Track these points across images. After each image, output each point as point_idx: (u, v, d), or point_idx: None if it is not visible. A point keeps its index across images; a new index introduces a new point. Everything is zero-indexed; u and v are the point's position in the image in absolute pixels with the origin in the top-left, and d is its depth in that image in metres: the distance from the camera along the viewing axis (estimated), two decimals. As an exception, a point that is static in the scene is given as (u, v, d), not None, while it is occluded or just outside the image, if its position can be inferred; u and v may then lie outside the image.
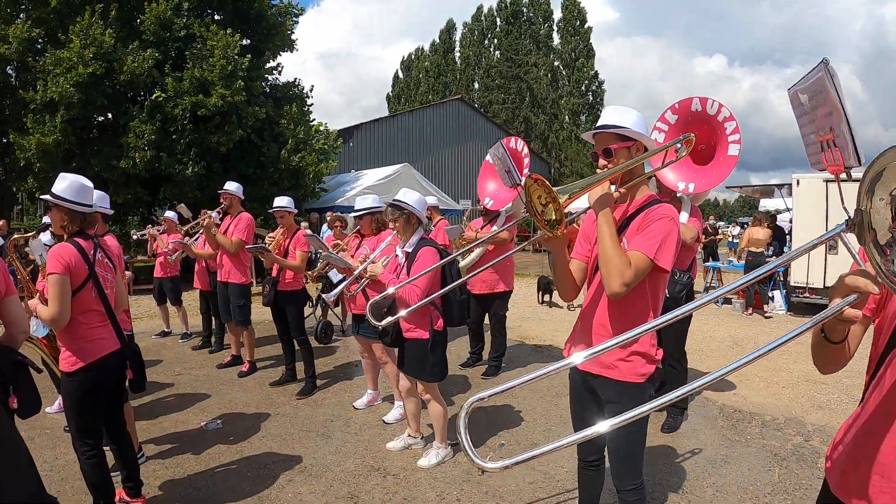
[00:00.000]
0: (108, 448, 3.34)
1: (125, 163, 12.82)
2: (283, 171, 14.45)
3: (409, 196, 3.92)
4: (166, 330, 8.67)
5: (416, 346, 3.81)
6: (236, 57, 13.32)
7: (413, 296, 3.55)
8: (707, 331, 9.00)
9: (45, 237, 4.38)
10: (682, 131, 4.17)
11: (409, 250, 3.85)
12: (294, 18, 16.26)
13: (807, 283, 10.47)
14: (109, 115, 13.71)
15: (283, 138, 14.66)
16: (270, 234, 6.00)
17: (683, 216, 4.40)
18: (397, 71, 50.44)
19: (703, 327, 9.14)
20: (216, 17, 14.89)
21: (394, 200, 3.91)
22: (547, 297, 11.76)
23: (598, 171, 2.41)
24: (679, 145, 2.47)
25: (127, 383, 3.31)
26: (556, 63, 43.64)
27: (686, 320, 4.84)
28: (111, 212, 4.78)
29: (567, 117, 42.97)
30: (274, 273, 5.77)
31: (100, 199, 4.56)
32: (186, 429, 4.85)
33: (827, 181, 10.02)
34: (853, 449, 1.54)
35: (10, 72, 13.79)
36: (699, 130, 3.84)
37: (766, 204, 19.74)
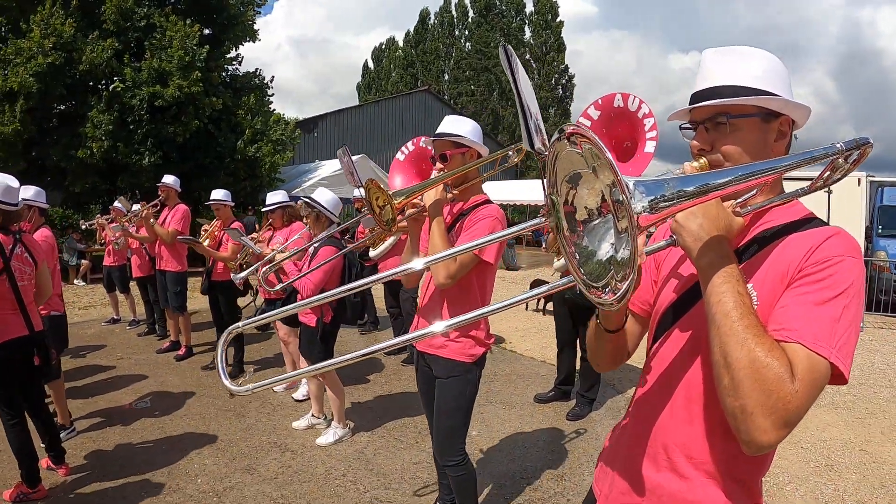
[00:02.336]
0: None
1: (82, 152, 13.06)
2: (240, 161, 14.75)
3: (322, 196, 4.34)
4: (115, 317, 9.04)
5: (307, 332, 4.33)
6: (195, 47, 13.54)
7: (306, 288, 4.02)
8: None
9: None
10: (604, 127, 4.46)
11: (316, 245, 4.31)
12: (256, 9, 16.47)
13: None
14: (72, 103, 13.85)
15: (240, 129, 14.94)
16: (205, 227, 6.43)
17: None
18: (367, 61, 50.38)
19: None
20: (181, 6, 14.97)
21: (307, 198, 4.37)
22: (541, 304, 10.30)
23: (434, 174, 2.74)
24: (511, 153, 2.63)
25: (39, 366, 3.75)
26: (526, 56, 44.05)
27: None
28: (47, 206, 5.17)
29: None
30: (210, 263, 6.22)
31: (36, 195, 4.98)
32: (118, 406, 5.30)
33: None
34: (614, 448, 1.54)
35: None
36: (622, 127, 4.05)
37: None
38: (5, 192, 3.57)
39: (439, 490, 3.32)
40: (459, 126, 2.72)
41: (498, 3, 44.63)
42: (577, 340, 5.38)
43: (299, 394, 5.35)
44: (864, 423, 5.09)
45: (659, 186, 0.99)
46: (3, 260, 3.50)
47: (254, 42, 16.53)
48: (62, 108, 13.98)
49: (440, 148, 2.74)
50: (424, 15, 47.50)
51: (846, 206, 9.93)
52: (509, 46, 1.71)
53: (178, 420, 4.99)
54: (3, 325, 3.50)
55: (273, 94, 17.15)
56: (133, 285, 8.45)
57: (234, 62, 16.18)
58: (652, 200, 0.97)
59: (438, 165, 2.74)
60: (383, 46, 49.36)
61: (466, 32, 45.36)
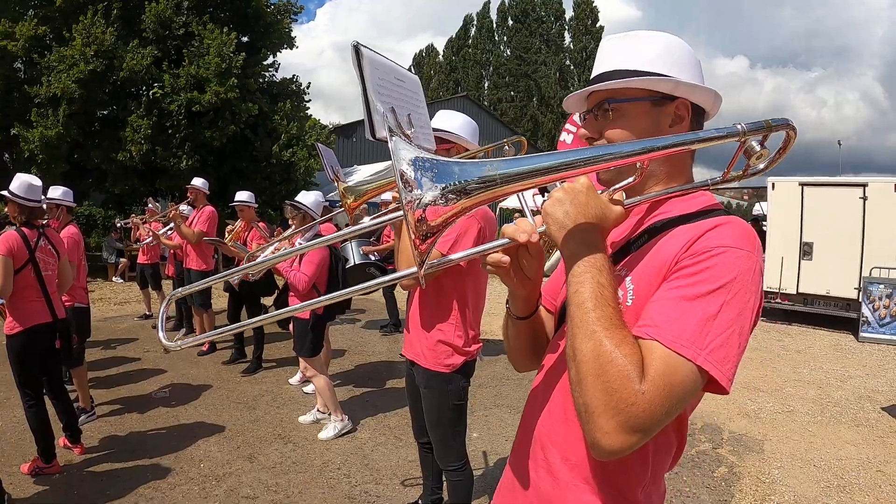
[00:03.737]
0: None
1: (122, 156, 13.59)
2: (276, 165, 15.07)
3: (306, 198, 4.60)
4: (147, 313, 9.37)
5: (300, 325, 4.46)
6: (231, 55, 13.93)
7: (300, 282, 4.17)
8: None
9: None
10: None
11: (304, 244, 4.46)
12: (293, 17, 16.87)
13: (779, 289, 10.34)
14: (113, 108, 14.43)
15: (276, 134, 15.26)
16: (229, 227, 6.65)
17: None
18: (409, 67, 50.90)
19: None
20: (220, 15, 15.39)
21: (293, 200, 4.57)
22: None
23: None
24: (507, 146, 2.39)
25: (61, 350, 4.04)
26: (566, 62, 43.83)
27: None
28: (73, 204, 5.44)
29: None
30: (236, 262, 6.43)
31: (63, 195, 5.28)
32: (138, 395, 5.54)
33: (802, 185, 10.07)
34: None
35: (18, 66, 14.44)
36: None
37: (764, 207, 18.82)
38: (28, 189, 3.90)
39: (423, 490, 3.34)
40: (448, 121, 2.62)
41: (537, 8, 44.54)
42: None
43: (310, 387, 5.48)
44: (884, 441, 4.81)
45: (473, 169, 0.89)
46: (29, 251, 3.79)
47: (291, 49, 16.95)
48: (103, 113, 14.55)
49: None
50: (468, 21, 47.58)
51: (883, 212, 9.49)
52: (361, 44, 1.64)
53: (192, 409, 5.18)
54: (29, 312, 3.80)
55: (310, 100, 17.51)
56: (166, 283, 8.78)
57: (270, 69, 16.57)
58: (446, 188, 0.88)
59: None
60: (423, 53, 49.80)
61: (505, 38, 45.37)
